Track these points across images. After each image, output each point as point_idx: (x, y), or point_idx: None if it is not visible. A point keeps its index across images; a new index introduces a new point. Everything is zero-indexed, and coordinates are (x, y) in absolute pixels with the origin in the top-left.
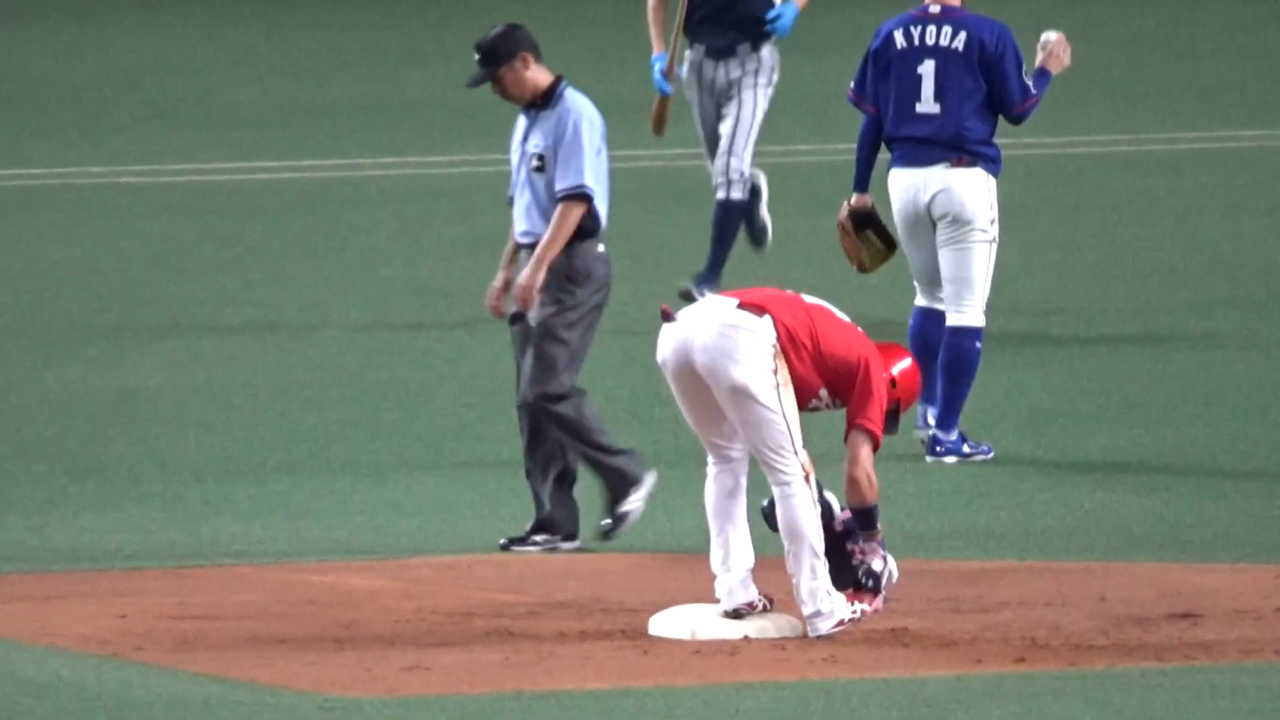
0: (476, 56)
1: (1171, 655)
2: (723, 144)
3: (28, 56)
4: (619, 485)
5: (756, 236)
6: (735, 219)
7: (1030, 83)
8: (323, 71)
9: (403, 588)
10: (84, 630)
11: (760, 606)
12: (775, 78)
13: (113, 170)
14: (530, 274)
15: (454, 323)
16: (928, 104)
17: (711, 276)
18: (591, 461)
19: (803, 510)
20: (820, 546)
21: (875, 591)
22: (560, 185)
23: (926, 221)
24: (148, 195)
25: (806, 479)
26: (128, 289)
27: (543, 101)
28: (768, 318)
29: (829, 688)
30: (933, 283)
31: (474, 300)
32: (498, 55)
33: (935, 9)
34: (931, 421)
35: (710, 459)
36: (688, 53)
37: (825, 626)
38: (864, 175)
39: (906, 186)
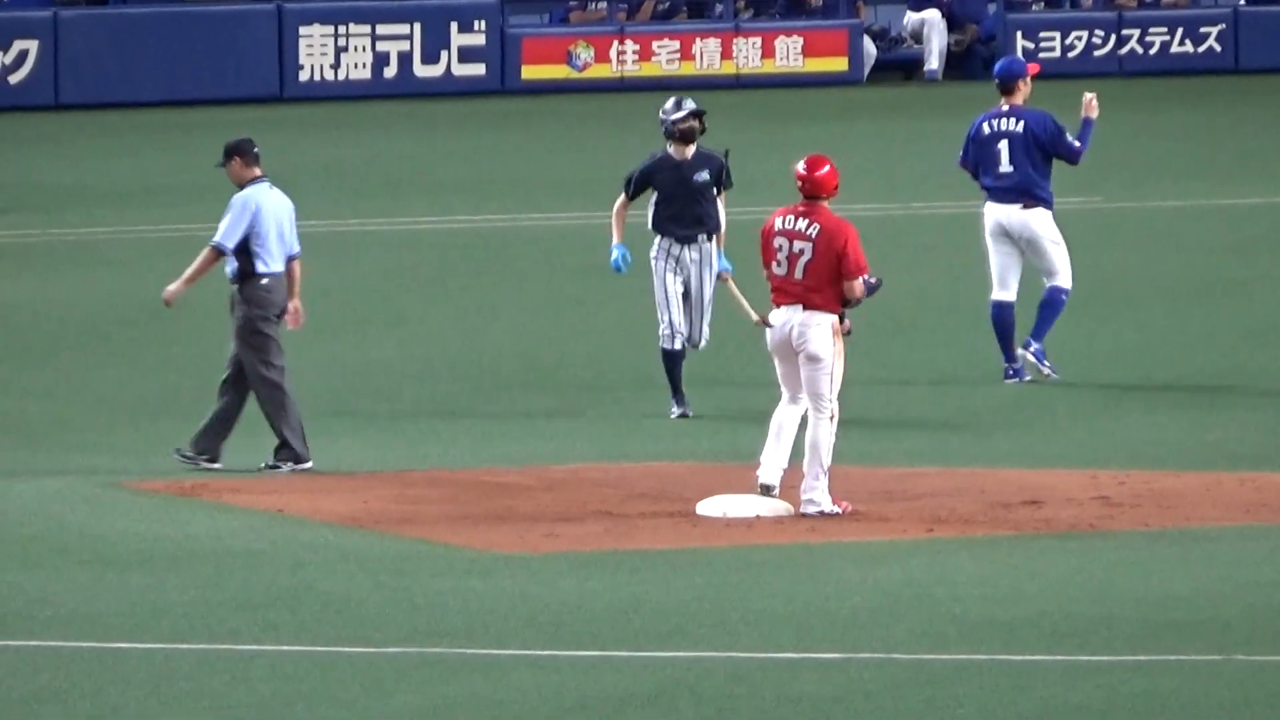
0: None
1: (1024, 526)
2: (695, 316)
3: (330, 149)
4: (284, 453)
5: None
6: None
7: (1074, 140)
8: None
9: (541, 484)
10: (341, 510)
11: (775, 492)
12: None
13: (359, 221)
14: (173, 287)
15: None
16: (1005, 167)
17: (681, 399)
18: (274, 427)
19: (823, 434)
20: (827, 461)
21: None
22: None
23: (1007, 237)
24: (379, 238)
25: (832, 418)
26: (367, 295)
27: (240, 188)
28: (822, 314)
29: (809, 547)
30: (1004, 281)
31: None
32: (227, 153)
33: (1005, 108)
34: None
35: (786, 398)
36: (657, 239)
37: (813, 510)
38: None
39: (996, 216)
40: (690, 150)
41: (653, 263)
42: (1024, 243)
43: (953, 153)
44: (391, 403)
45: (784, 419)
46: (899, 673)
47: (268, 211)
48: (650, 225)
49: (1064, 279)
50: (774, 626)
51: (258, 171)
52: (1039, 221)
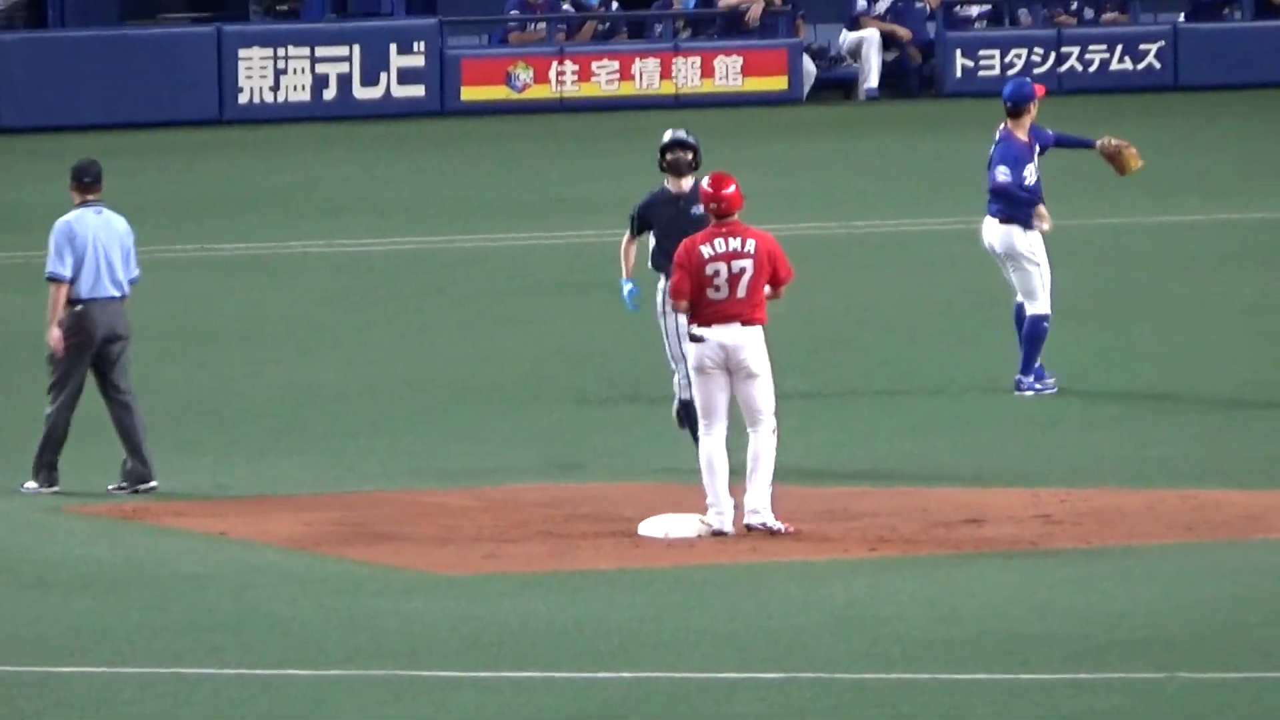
0: None
1: (965, 545)
2: None
3: (260, 173)
4: (38, 470)
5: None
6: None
7: (1009, 177)
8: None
9: (483, 505)
10: (283, 532)
11: (728, 531)
12: None
13: (301, 243)
14: (49, 336)
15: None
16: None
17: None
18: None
19: (766, 448)
20: (770, 475)
21: None
22: None
23: (996, 253)
24: (319, 260)
25: (773, 432)
26: (307, 317)
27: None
28: (758, 327)
29: (751, 567)
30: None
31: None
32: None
33: (1001, 130)
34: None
35: (708, 431)
36: (661, 279)
37: (756, 521)
38: (1074, 142)
39: (985, 237)
40: (686, 183)
41: (660, 318)
42: (1003, 258)
43: (892, 170)
44: (332, 423)
45: (713, 451)
46: (842, 692)
47: (86, 237)
48: (650, 264)
49: (1041, 304)
50: (716, 646)
51: (89, 196)
52: (1012, 238)
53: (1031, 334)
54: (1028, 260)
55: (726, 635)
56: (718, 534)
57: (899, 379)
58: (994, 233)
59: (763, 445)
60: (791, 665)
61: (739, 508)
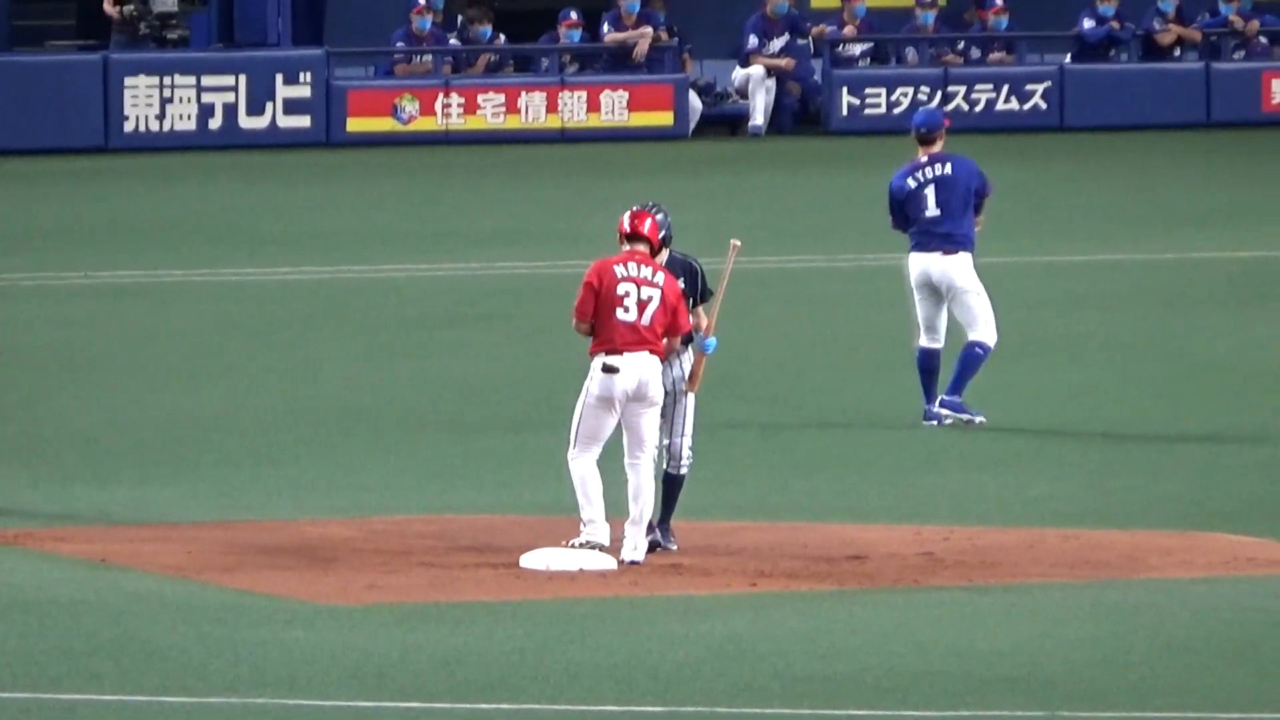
0: None
1: (848, 581)
2: (673, 430)
3: (145, 202)
4: None
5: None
6: (679, 488)
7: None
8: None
9: (365, 536)
10: (165, 560)
11: (605, 543)
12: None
13: (187, 272)
14: None
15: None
16: (931, 211)
17: (666, 526)
18: None
19: (650, 486)
20: (650, 513)
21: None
22: None
23: (929, 285)
24: (204, 289)
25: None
26: (192, 345)
27: None
28: (659, 361)
29: (632, 600)
30: (932, 328)
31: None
32: None
33: (924, 159)
34: (939, 410)
35: (584, 452)
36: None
37: (640, 558)
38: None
39: (921, 265)
40: (661, 259)
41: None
42: (944, 289)
43: (777, 207)
44: (216, 453)
45: (587, 472)
46: None
47: None
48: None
49: (984, 332)
50: (597, 680)
51: None
52: (959, 269)
53: (971, 357)
54: (975, 293)
55: (607, 668)
56: (594, 545)
57: (784, 415)
58: (933, 265)
59: (644, 480)
60: (672, 699)
61: (615, 540)
